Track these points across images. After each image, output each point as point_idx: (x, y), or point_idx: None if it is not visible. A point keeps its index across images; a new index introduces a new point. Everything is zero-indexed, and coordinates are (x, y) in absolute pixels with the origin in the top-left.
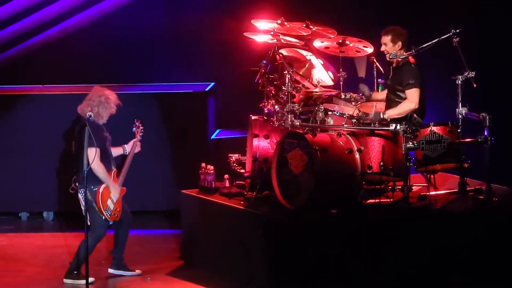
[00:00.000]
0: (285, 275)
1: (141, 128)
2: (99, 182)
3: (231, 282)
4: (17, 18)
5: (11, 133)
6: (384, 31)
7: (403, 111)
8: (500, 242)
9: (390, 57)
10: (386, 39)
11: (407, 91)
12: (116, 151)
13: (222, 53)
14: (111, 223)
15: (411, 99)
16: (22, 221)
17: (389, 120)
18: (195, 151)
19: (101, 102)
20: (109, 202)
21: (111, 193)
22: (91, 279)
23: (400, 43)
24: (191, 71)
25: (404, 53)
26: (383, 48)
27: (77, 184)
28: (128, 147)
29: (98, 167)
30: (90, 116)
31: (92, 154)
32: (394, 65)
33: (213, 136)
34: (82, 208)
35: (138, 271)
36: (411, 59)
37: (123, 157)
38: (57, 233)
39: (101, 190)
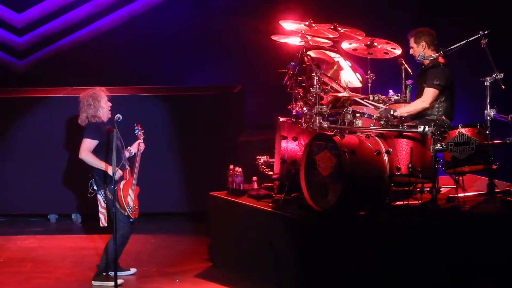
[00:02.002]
0: (314, 277)
1: (142, 131)
2: (117, 181)
3: (259, 284)
4: (45, 20)
5: (41, 135)
6: (409, 34)
7: (413, 109)
8: None
9: (418, 58)
10: (411, 41)
11: (425, 89)
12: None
13: (250, 55)
14: (132, 220)
15: (425, 97)
16: (51, 223)
17: (399, 117)
18: (223, 153)
19: (90, 104)
20: (129, 198)
21: (122, 184)
22: (119, 281)
23: (423, 43)
24: (219, 73)
25: (433, 54)
26: (411, 51)
27: (94, 187)
28: (133, 149)
29: (86, 156)
30: (119, 118)
31: (85, 144)
32: (424, 64)
33: (241, 137)
34: (100, 210)
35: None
36: (441, 60)
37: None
38: (85, 235)
39: (121, 186)
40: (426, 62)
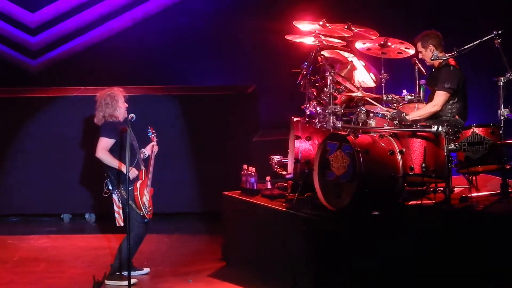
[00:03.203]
0: (327, 277)
1: (156, 133)
2: (133, 181)
3: (273, 284)
4: (59, 20)
5: (54, 135)
6: (415, 39)
7: (424, 113)
8: None
9: (432, 59)
10: (418, 46)
11: (436, 92)
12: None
13: (264, 55)
14: (147, 220)
15: (435, 101)
16: (65, 223)
17: (410, 121)
18: (237, 153)
19: (108, 104)
20: (144, 199)
21: (138, 184)
22: (133, 281)
23: (431, 46)
24: (233, 73)
25: (446, 55)
26: (420, 56)
27: (109, 187)
28: (147, 151)
29: (103, 155)
30: (133, 118)
31: (102, 142)
32: (435, 67)
33: (255, 137)
34: (115, 209)
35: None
36: (451, 61)
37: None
38: (99, 235)
39: (137, 186)
40: (436, 64)
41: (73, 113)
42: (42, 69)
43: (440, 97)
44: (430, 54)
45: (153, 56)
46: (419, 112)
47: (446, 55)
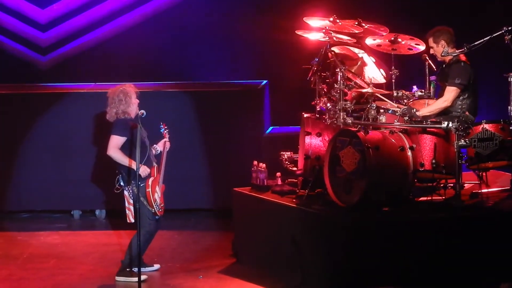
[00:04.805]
0: (337, 273)
1: (168, 129)
2: (145, 178)
3: (283, 280)
4: (69, 16)
5: (64, 131)
6: (427, 34)
7: (434, 108)
8: None
9: (442, 54)
10: (430, 41)
11: (446, 88)
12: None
13: (275, 51)
14: (158, 217)
15: (446, 96)
16: (75, 219)
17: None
18: (247, 149)
19: (121, 100)
20: (156, 196)
21: (150, 181)
22: (143, 277)
23: (443, 42)
24: (244, 68)
25: (456, 51)
26: (431, 51)
27: (121, 183)
28: (159, 147)
29: (114, 153)
30: (143, 114)
31: (113, 140)
32: (445, 62)
33: (265, 133)
34: (127, 206)
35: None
36: (462, 57)
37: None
38: (109, 231)
39: (149, 183)
40: (447, 60)
41: (83, 109)
42: (52, 66)
43: (451, 92)
44: (442, 49)
45: (163, 52)
46: (429, 108)
47: (457, 51)
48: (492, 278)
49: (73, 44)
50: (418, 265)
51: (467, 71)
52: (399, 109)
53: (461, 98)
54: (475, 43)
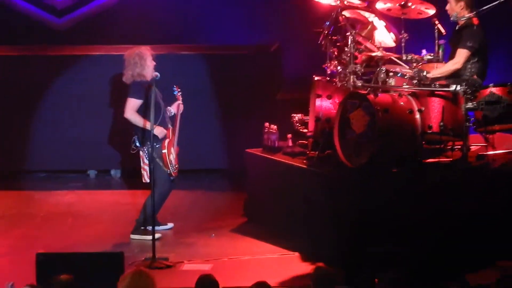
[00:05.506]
0: (346, 233)
1: (181, 92)
2: (162, 139)
3: (293, 239)
4: None
5: (79, 92)
6: None
7: (445, 70)
8: None
9: (452, 18)
10: None
11: (458, 50)
12: None
13: (286, 15)
14: (172, 178)
15: (457, 59)
16: (91, 179)
17: (430, 80)
18: (260, 111)
19: (137, 63)
20: (171, 157)
21: (166, 142)
22: (157, 235)
23: (463, 3)
24: (255, 31)
25: (466, 15)
26: (447, 7)
27: (137, 144)
28: (173, 109)
29: (131, 116)
30: (157, 76)
31: (130, 103)
32: (457, 25)
33: (277, 96)
34: (142, 166)
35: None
36: (475, 20)
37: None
38: (124, 191)
39: (165, 144)
40: (461, 22)
41: (99, 71)
42: (67, 28)
43: (462, 55)
44: (458, 10)
45: (175, 15)
46: (440, 70)
47: (467, 15)
48: (497, 238)
49: (88, 7)
50: (425, 225)
51: (479, 35)
52: (410, 71)
53: (471, 61)
54: (485, 7)
